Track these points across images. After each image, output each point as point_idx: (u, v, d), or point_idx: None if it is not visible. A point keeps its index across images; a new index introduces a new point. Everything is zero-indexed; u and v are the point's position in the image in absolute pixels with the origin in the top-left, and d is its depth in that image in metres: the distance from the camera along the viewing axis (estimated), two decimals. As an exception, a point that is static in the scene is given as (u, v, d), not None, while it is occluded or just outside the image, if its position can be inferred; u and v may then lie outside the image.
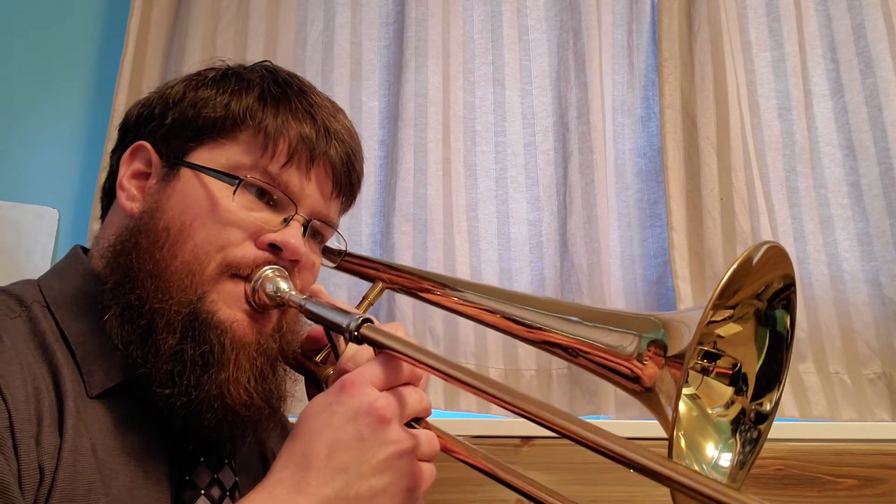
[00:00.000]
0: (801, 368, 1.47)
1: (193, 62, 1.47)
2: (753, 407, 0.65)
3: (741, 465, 0.63)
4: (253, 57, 1.49)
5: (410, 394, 0.65)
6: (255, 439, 0.75)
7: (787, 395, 1.44)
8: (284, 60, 1.53)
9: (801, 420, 1.43)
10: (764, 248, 0.60)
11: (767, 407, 0.65)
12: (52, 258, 1.43)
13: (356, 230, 1.50)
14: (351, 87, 1.58)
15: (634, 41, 1.63)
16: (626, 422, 1.37)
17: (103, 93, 1.53)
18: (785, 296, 0.64)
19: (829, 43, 1.65)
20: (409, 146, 1.49)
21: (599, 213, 1.49)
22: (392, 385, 0.65)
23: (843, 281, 1.53)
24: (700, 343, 0.65)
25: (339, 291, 1.44)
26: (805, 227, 1.56)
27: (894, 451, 1.39)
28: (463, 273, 1.48)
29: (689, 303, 1.45)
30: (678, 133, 1.54)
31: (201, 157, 0.74)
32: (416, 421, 0.67)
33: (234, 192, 0.72)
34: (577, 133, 1.54)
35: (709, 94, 1.53)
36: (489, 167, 1.56)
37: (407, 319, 1.39)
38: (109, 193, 0.81)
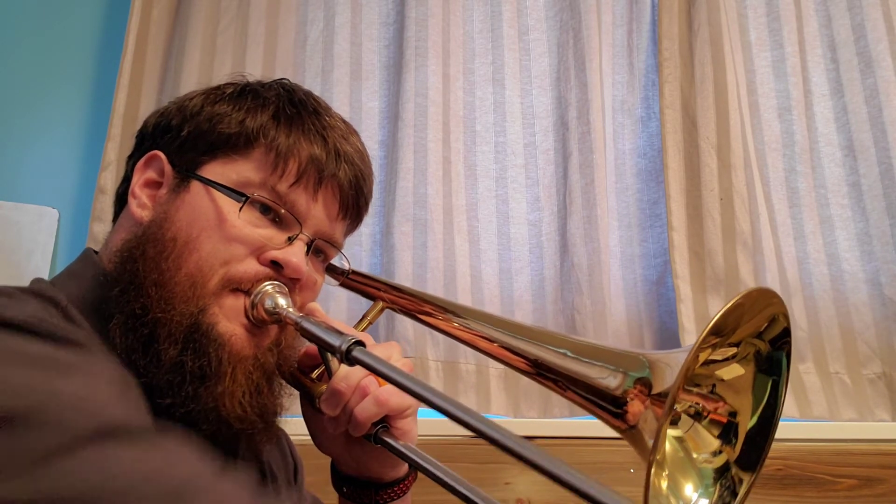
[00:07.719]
0: (801, 368, 1.47)
1: (193, 62, 1.47)
2: (733, 474, 0.65)
3: None
4: (252, 57, 1.50)
5: None
6: (250, 452, 0.75)
7: (787, 395, 1.44)
8: (284, 60, 1.53)
9: (801, 420, 1.43)
10: (753, 289, 0.60)
11: (742, 490, 0.64)
12: (52, 258, 1.43)
13: (356, 230, 1.50)
14: (351, 87, 1.58)
15: (634, 41, 1.64)
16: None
17: (103, 93, 1.53)
18: (785, 340, 0.64)
19: (829, 43, 1.65)
20: (409, 146, 1.49)
21: (599, 213, 1.49)
22: None
23: (843, 281, 1.53)
24: (697, 385, 0.66)
25: (342, 294, 1.44)
26: (805, 227, 1.56)
27: (894, 451, 1.39)
28: (463, 273, 1.48)
29: (689, 303, 1.45)
30: (678, 133, 1.54)
31: (213, 171, 0.75)
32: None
33: (240, 209, 0.73)
34: (577, 133, 1.54)
35: (709, 94, 1.53)
36: (489, 167, 1.56)
37: (406, 321, 1.39)
38: (122, 199, 0.82)
